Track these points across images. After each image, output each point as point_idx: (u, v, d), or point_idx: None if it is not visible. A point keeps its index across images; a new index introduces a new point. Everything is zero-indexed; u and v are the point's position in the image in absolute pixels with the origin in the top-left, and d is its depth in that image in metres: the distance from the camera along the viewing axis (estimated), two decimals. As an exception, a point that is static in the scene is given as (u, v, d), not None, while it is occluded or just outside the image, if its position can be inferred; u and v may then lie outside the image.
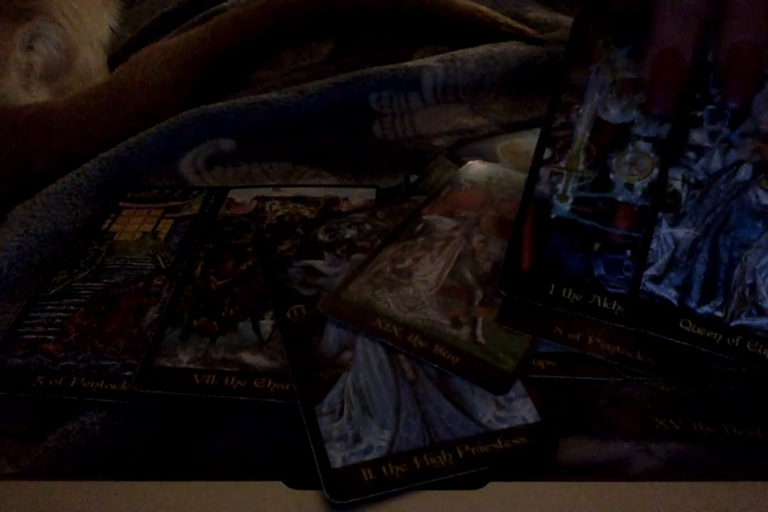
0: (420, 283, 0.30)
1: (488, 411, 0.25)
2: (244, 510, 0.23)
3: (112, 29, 0.56)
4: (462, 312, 0.29)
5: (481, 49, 0.46)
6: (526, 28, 0.48)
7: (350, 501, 0.23)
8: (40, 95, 0.45)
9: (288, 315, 0.30)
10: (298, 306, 0.30)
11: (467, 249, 0.32)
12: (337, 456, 0.24)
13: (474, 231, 0.33)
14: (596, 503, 0.23)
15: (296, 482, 0.24)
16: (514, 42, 0.47)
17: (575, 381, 0.27)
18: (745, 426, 0.25)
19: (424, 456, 0.24)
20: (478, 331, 0.28)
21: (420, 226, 0.33)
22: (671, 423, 0.25)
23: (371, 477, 0.23)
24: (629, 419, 0.25)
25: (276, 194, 0.39)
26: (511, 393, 0.26)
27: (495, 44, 0.46)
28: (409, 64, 0.44)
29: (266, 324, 0.30)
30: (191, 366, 0.28)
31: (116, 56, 0.54)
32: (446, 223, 0.33)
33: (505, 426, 0.25)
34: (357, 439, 0.25)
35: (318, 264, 0.32)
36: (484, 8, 0.49)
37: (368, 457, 0.24)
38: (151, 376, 0.27)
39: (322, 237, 0.34)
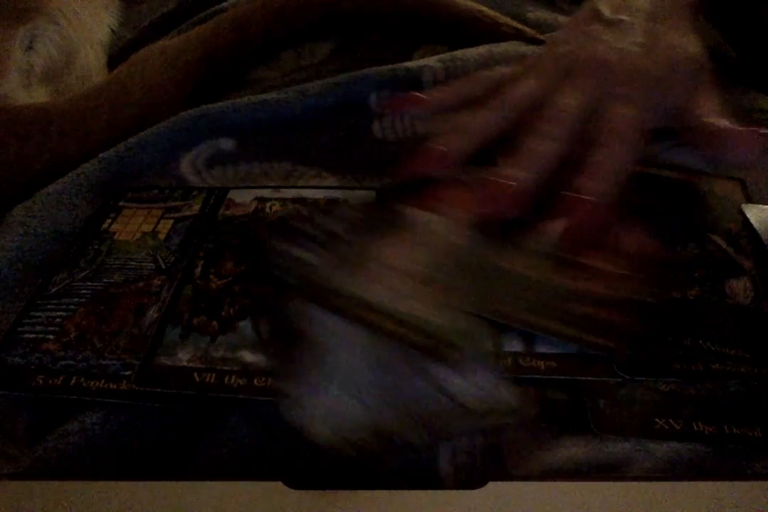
0: (399, 273, 0.31)
1: (463, 389, 0.26)
2: (244, 510, 0.23)
3: (112, 29, 0.56)
4: (440, 301, 0.29)
5: (481, 49, 0.45)
6: (526, 28, 0.48)
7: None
8: (40, 95, 0.45)
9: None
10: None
11: (449, 242, 0.32)
12: (321, 434, 0.25)
13: (457, 227, 0.33)
14: (596, 503, 0.23)
15: (296, 482, 0.24)
16: (514, 42, 0.47)
17: (575, 381, 0.27)
18: (745, 425, 0.25)
19: (402, 431, 0.25)
20: (445, 314, 0.29)
21: (403, 221, 0.34)
22: (671, 422, 0.25)
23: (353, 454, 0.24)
24: (629, 419, 0.25)
25: (276, 195, 0.39)
26: (487, 374, 0.27)
27: (495, 44, 0.46)
28: (409, 64, 0.44)
29: (267, 324, 0.30)
30: (191, 364, 0.28)
31: (116, 56, 0.54)
32: (430, 218, 0.34)
33: (478, 403, 0.26)
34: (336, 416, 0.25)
35: (304, 255, 0.33)
36: (484, 8, 0.49)
37: (348, 435, 0.24)
38: (151, 374, 0.27)
39: (310, 231, 0.34)
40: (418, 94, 0.39)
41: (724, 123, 0.34)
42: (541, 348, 0.28)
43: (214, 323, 0.30)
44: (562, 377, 0.27)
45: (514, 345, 0.28)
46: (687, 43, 0.36)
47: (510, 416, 0.25)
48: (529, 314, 0.28)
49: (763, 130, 0.33)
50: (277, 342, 0.29)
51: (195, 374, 0.27)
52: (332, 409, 0.25)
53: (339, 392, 0.26)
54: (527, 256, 0.31)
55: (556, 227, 0.32)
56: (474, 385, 0.26)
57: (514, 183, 0.32)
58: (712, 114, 0.35)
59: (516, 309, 0.29)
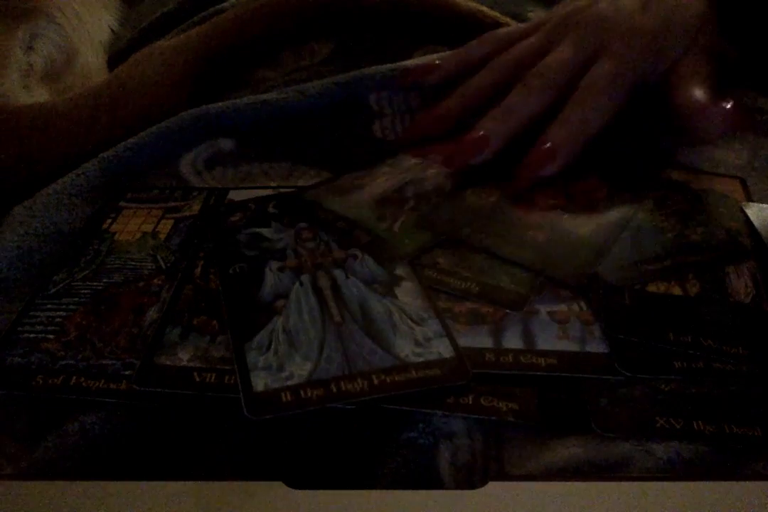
0: (366, 193, 0.36)
1: (406, 348, 0.28)
2: (244, 510, 0.23)
3: (112, 29, 0.56)
4: (390, 212, 0.34)
5: (481, 49, 0.45)
6: (526, 28, 0.48)
7: (267, 418, 0.25)
8: (40, 95, 0.45)
9: (231, 271, 0.32)
10: (241, 264, 0.32)
11: (419, 176, 0.36)
12: (260, 382, 0.26)
13: (433, 165, 0.37)
14: (596, 503, 0.23)
15: (296, 482, 0.24)
16: (515, 42, 0.47)
17: (575, 378, 0.27)
18: (745, 425, 0.25)
19: (341, 382, 0.26)
20: (397, 224, 0.33)
21: (391, 160, 0.38)
22: (671, 421, 0.25)
23: (289, 399, 0.25)
24: (630, 418, 0.25)
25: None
26: (430, 333, 0.28)
27: (495, 44, 0.46)
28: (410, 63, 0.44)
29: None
30: (191, 364, 0.28)
31: (116, 56, 0.54)
32: (414, 160, 0.38)
33: (420, 360, 0.27)
34: (280, 369, 0.27)
35: (265, 231, 0.35)
36: (484, 9, 0.49)
37: (289, 383, 0.26)
38: (151, 374, 0.27)
39: (271, 210, 0.37)
40: (428, 62, 0.41)
41: (698, 95, 0.34)
42: (542, 346, 0.28)
43: (214, 323, 0.30)
44: (562, 374, 0.27)
45: (515, 343, 0.28)
46: (689, 4, 0.37)
47: (444, 368, 0.27)
48: (489, 239, 0.33)
49: (733, 105, 0.34)
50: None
51: (195, 374, 0.27)
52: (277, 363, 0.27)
53: (288, 349, 0.28)
54: (489, 191, 0.35)
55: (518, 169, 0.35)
56: (412, 341, 0.28)
57: (481, 135, 0.35)
58: (693, 83, 0.35)
59: (476, 233, 0.33)
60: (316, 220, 0.35)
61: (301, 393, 0.26)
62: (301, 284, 0.31)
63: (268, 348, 0.28)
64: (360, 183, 0.37)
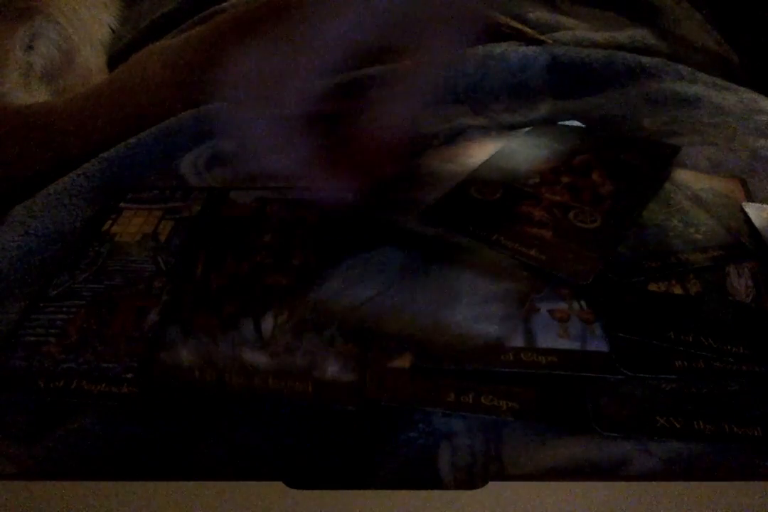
0: None
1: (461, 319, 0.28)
2: (244, 510, 0.23)
3: (112, 29, 0.56)
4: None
5: (481, 49, 0.45)
6: (526, 28, 0.48)
7: None
8: (40, 95, 0.45)
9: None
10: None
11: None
12: None
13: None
14: (596, 503, 0.23)
15: (296, 482, 0.24)
16: (514, 42, 0.47)
17: (576, 377, 0.27)
18: (745, 424, 0.25)
19: None
20: None
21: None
22: (672, 421, 0.25)
23: None
24: (630, 417, 0.25)
25: (277, 196, 0.38)
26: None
27: (495, 44, 0.46)
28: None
29: (268, 323, 0.30)
30: (192, 363, 0.28)
31: (116, 56, 0.54)
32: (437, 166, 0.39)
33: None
34: None
35: None
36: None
37: None
38: (152, 373, 0.27)
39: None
40: None
41: None
42: (543, 344, 0.28)
43: (215, 322, 0.30)
44: (563, 372, 0.27)
45: (516, 340, 0.28)
46: None
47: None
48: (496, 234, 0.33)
49: None
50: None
51: (196, 372, 0.27)
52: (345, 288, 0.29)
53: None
54: (495, 187, 0.37)
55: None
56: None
57: None
58: None
59: (479, 228, 0.34)
60: None
61: None
62: None
63: None
64: None
